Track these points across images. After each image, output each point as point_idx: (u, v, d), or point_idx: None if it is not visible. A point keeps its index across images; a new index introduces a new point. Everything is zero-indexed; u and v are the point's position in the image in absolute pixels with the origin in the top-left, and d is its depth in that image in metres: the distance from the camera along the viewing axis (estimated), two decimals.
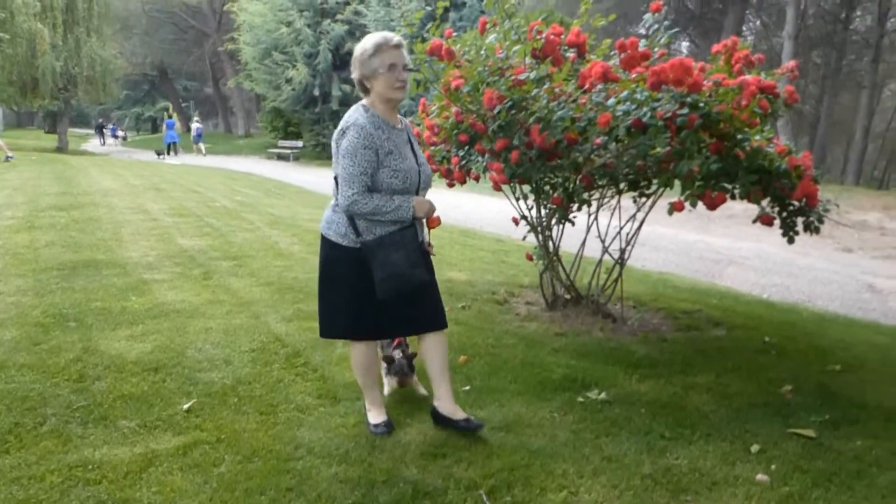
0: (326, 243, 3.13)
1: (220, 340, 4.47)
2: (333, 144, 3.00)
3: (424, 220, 3.14)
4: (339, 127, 2.98)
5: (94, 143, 41.85)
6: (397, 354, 3.63)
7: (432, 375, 3.29)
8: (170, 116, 34.68)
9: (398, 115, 3.13)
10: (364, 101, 3.06)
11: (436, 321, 3.23)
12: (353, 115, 2.98)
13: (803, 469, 3.05)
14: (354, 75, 3.04)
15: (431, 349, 3.25)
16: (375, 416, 3.29)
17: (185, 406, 3.44)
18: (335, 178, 3.01)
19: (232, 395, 3.63)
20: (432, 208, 3.08)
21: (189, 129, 36.17)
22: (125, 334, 4.51)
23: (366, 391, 3.35)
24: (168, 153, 30.76)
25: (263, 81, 28.46)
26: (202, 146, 32.19)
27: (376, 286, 2.97)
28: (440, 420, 3.28)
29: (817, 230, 4.39)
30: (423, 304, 3.17)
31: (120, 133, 46.16)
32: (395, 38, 2.97)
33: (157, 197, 12.33)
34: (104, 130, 43.95)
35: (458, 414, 3.25)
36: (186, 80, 51.69)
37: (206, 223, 9.36)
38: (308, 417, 3.41)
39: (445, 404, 3.27)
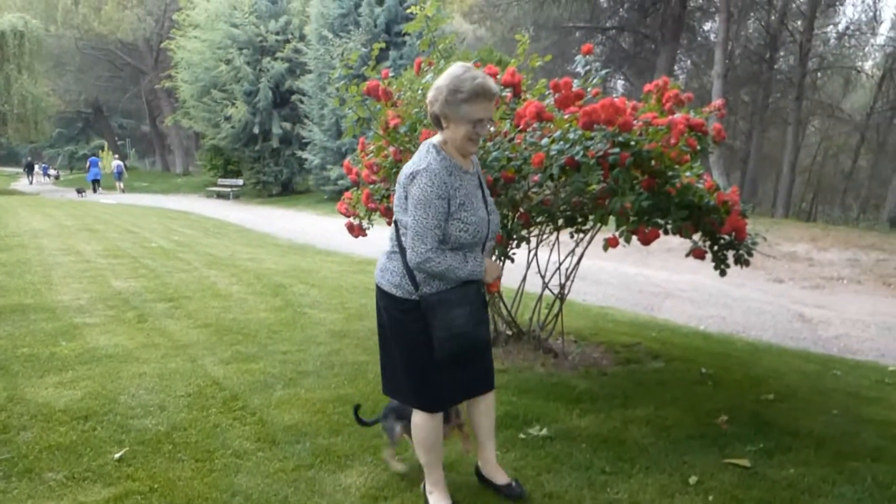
0: (380, 293, 2.85)
1: (154, 385, 4.35)
2: (399, 188, 2.70)
3: None
4: (408, 170, 2.66)
5: (23, 182, 40.68)
6: None
7: (479, 434, 3.09)
8: (94, 155, 34.63)
9: (471, 158, 2.85)
10: (436, 140, 2.76)
11: (489, 381, 3.02)
12: (425, 157, 2.67)
13: (739, 499, 3.10)
14: (433, 108, 2.69)
15: (483, 411, 3.04)
16: (439, 499, 2.94)
17: (117, 455, 3.33)
18: (395, 223, 2.77)
19: (166, 442, 3.53)
20: (500, 273, 2.86)
21: (125, 167, 35.86)
22: (53, 381, 4.35)
23: (429, 470, 2.95)
24: (94, 190, 30.85)
25: (202, 119, 28.18)
26: (121, 184, 32.57)
27: (435, 346, 2.68)
28: (482, 479, 3.14)
29: (747, 263, 4.52)
30: (480, 364, 2.95)
31: (52, 172, 44.91)
32: (495, 87, 2.64)
33: (90, 238, 12.01)
34: (34, 169, 42.76)
35: (501, 478, 3.08)
36: (122, 118, 50.80)
37: (141, 264, 9.14)
38: (246, 463, 3.33)
39: (488, 466, 3.11)
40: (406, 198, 2.66)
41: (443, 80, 2.65)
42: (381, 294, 2.83)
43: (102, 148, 45.58)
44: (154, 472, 3.19)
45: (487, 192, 2.91)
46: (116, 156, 35.75)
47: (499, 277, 2.84)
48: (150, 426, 3.71)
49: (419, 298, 2.69)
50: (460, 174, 2.70)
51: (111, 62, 43.43)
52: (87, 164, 33.12)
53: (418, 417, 2.87)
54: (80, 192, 29.91)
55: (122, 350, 5.09)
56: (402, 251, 2.72)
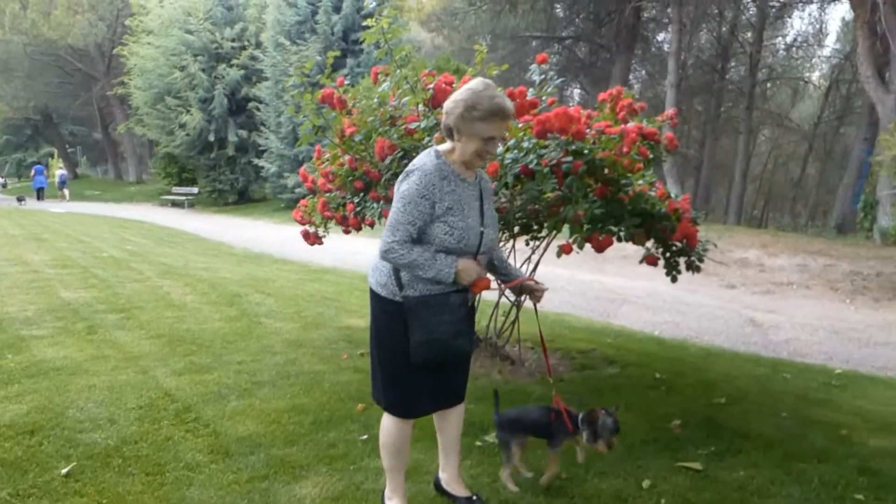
0: (370, 291, 2.85)
1: (104, 398, 4.25)
2: (396, 186, 2.72)
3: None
4: (406, 169, 2.70)
5: None
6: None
7: (443, 445, 3.08)
8: (39, 163, 34.07)
9: (476, 170, 2.81)
10: (442, 147, 2.76)
11: (461, 394, 2.99)
12: (423, 158, 2.70)
13: (691, 501, 3.15)
14: (448, 119, 2.68)
15: (453, 422, 3.02)
16: None
17: (64, 470, 3.24)
18: None
19: (116, 456, 3.44)
20: (480, 275, 2.72)
21: (76, 175, 35.25)
22: None
23: (390, 475, 2.94)
24: (38, 199, 30.43)
25: (156, 126, 27.69)
26: (66, 192, 32.06)
27: (411, 348, 2.66)
28: (441, 491, 3.12)
29: (698, 269, 4.61)
30: (457, 376, 2.92)
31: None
32: (511, 108, 2.66)
33: (39, 247, 11.72)
34: None
35: (462, 492, 3.05)
36: (73, 125, 49.57)
37: (91, 274, 8.94)
38: (198, 476, 3.27)
39: (450, 478, 3.09)
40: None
41: (461, 94, 2.65)
42: (370, 292, 2.84)
43: (52, 155, 44.50)
44: (103, 487, 3.11)
45: (490, 207, 2.86)
46: (61, 164, 35.11)
47: (484, 279, 2.74)
48: (99, 440, 3.62)
49: (402, 300, 2.67)
50: (456, 181, 2.69)
51: (61, 68, 42.43)
52: (32, 171, 32.57)
53: (387, 420, 2.87)
54: (20, 199, 29.31)
55: (71, 362, 4.97)
56: None
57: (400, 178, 2.70)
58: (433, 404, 2.92)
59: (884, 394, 5.33)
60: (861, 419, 4.57)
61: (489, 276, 2.85)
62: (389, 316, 2.75)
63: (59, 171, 34.17)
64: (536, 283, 2.93)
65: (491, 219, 2.83)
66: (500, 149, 2.70)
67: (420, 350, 2.65)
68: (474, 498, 3.03)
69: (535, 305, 2.97)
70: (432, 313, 2.63)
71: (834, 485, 3.42)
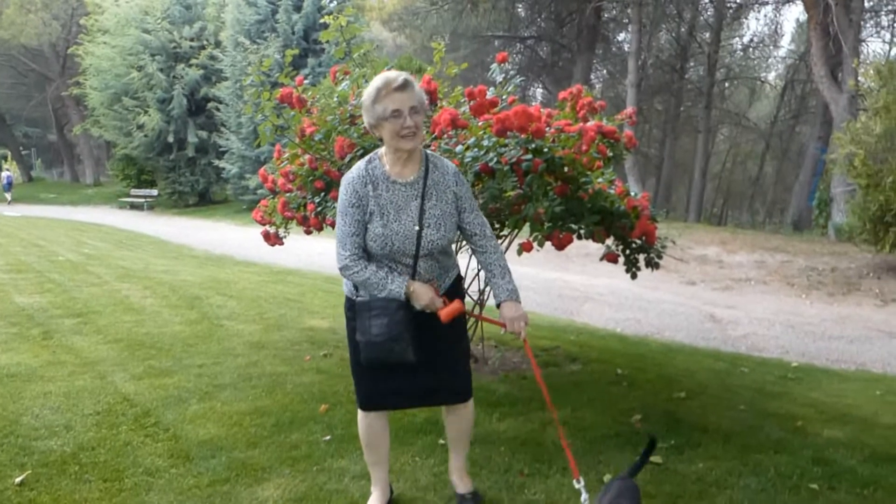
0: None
1: (60, 405, 4.16)
2: None
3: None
4: None
5: None
6: None
7: (448, 441, 3.16)
8: None
9: (419, 166, 2.72)
10: (379, 150, 2.76)
11: (443, 395, 2.95)
12: (354, 166, 2.72)
13: (651, 494, 3.19)
14: (365, 121, 2.72)
15: (450, 421, 3.05)
16: (373, 500, 2.99)
17: (18, 479, 3.16)
18: None
19: (72, 463, 3.37)
20: (434, 303, 2.65)
21: (31, 178, 34.45)
22: None
23: (370, 469, 3.05)
24: None
25: (113, 128, 27.18)
26: (9, 195, 31.47)
27: (360, 349, 2.71)
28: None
29: (657, 265, 4.67)
30: (445, 376, 2.87)
31: None
32: (400, 78, 2.57)
33: None
34: None
35: (461, 487, 3.08)
36: (27, 127, 48.48)
37: (47, 278, 8.75)
38: (158, 481, 3.22)
39: (453, 472, 3.12)
40: None
41: (363, 98, 2.69)
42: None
43: (6, 157, 43.46)
44: (59, 494, 3.05)
45: (439, 203, 2.72)
46: (7, 167, 34.26)
47: (444, 308, 2.66)
48: (54, 447, 3.54)
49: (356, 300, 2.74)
50: (385, 184, 2.66)
51: (14, 68, 41.45)
52: None
53: (358, 414, 2.97)
54: None
55: (26, 369, 4.85)
56: None
57: None
58: (400, 401, 2.95)
59: (837, 386, 5.46)
60: (815, 411, 4.67)
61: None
62: (348, 314, 2.84)
63: (5, 172, 33.29)
64: (515, 333, 2.76)
65: (437, 217, 2.70)
66: (410, 120, 2.56)
67: (363, 350, 2.69)
68: (467, 496, 3.04)
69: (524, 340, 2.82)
70: (372, 316, 2.64)
71: (789, 475, 3.49)
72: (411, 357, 2.66)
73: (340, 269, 2.69)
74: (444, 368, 2.86)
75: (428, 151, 2.81)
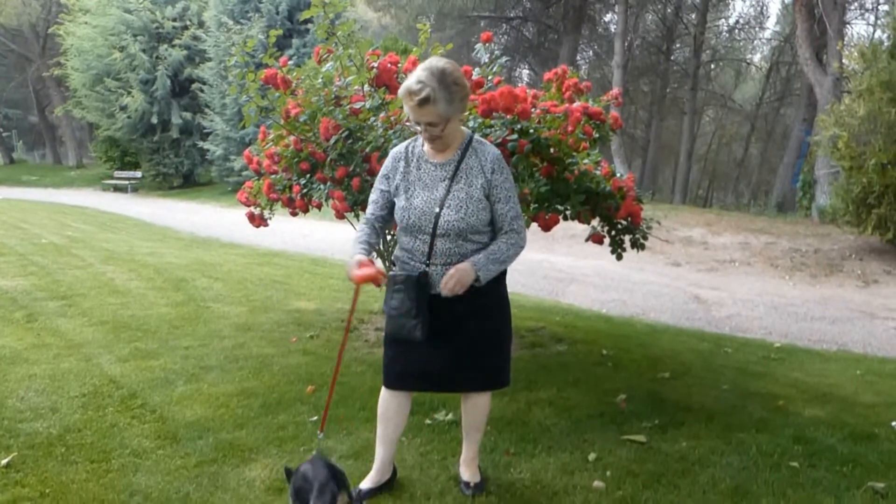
0: None
1: (45, 387, 4.15)
2: None
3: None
4: None
5: None
6: None
7: (463, 430, 3.12)
8: None
9: (456, 150, 2.73)
10: None
11: (477, 383, 2.95)
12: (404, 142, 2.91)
13: (635, 473, 3.23)
14: None
15: (466, 409, 3.05)
16: (365, 480, 2.97)
17: (4, 461, 3.16)
18: None
19: (59, 444, 3.37)
20: (350, 272, 2.58)
21: (12, 160, 33.96)
22: None
23: (377, 445, 3.02)
24: None
25: (95, 109, 26.81)
26: None
27: None
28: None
29: (643, 247, 4.70)
30: (467, 364, 2.84)
31: None
32: (423, 93, 2.52)
33: None
34: None
35: (465, 475, 3.07)
36: (7, 108, 47.75)
37: (30, 261, 8.68)
38: (145, 462, 3.22)
39: (462, 460, 3.12)
40: None
41: None
42: None
43: None
44: (45, 476, 3.05)
45: (467, 187, 2.70)
46: None
47: (359, 274, 2.55)
48: (40, 429, 3.54)
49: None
50: (419, 162, 2.75)
51: None
52: None
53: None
54: None
55: (10, 351, 4.83)
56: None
57: None
58: (420, 384, 2.97)
59: (819, 366, 5.53)
60: (797, 390, 4.73)
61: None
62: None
63: None
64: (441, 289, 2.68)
65: (461, 201, 2.69)
66: (426, 133, 2.60)
67: (385, 322, 2.82)
68: (470, 484, 3.03)
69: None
70: (394, 290, 2.71)
71: (771, 453, 3.54)
72: (418, 336, 2.67)
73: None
74: (468, 355, 2.84)
75: (476, 136, 2.81)
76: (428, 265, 2.73)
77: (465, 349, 2.83)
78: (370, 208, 2.85)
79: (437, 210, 2.69)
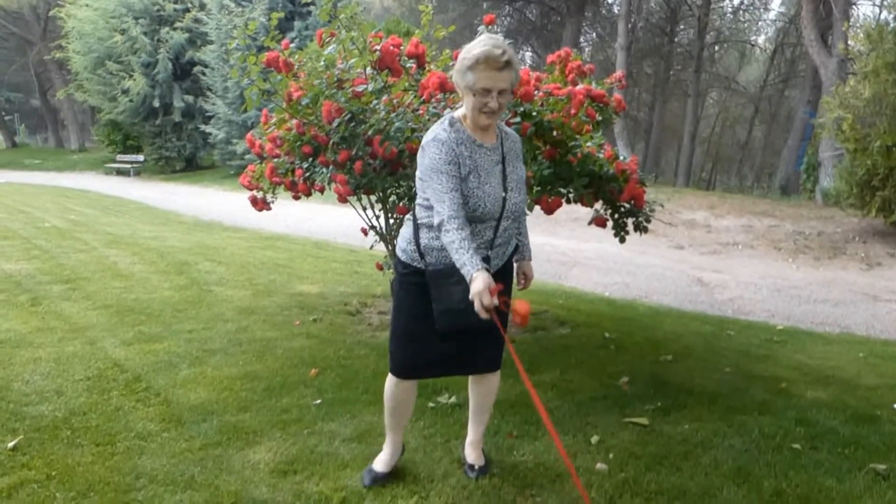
0: (395, 259, 2.86)
1: (50, 370, 4.17)
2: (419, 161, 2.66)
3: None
4: (421, 145, 2.63)
5: None
6: None
7: (471, 410, 3.13)
8: None
9: (496, 131, 2.72)
10: (457, 112, 2.67)
11: (479, 364, 2.98)
12: (436, 129, 2.62)
13: (637, 455, 3.25)
14: (454, 78, 2.63)
15: (478, 390, 3.05)
16: (378, 463, 2.99)
17: (10, 444, 3.18)
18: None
19: (64, 427, 3.39)
20: (483, 296, 2.35)
21: (14, 144, 33.92)
22: None
23: (387, 432, 3.03)
24: None
25: (97, 92, 26.74)
26: None
27: (436, 318, 2.65)
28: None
29: (645, 230, 4.69)
30: (483, 345, 2.88)
31: None
32: (504, 57, 2.45)
33: None
34: None
35: (470, 458, 3.08)
36: (9, 92, 47.61)
37: (34, 245, 8.70)
38: (150, 445, 3.24)
39: (468, 443, 3.13)
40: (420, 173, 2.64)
41: (462, 51, 2.57)
42: (396, 260, 2.88)
43: None
44: (51, 459, 3.07)
45: (515, 169, 2.74)
46: None
47: (520, 305, 2.47)
48: (46, 412, 3.56)
49: (424, 269, 2.69)
50: (472, 146, 2.62)
51: None
52: None
53: (388, 378, 2.93)
54: None
55: (15, 335, 4.85)
56: (415, 218, 2.74)
57: (419, 154, 2.64)
58: (437, 370, 2.95)
59: (821, 348, 5.54)
60: (799, 373, 4.75)
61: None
62: (401, 279, 2.81)
63: None
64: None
65: (517, 182, 2.72)
66: (495, 102, 2.47)
67: (441, 319, 2.64)
68: (475, 467, 3.04)
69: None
70: (452, 283, 2.58)
71: (773, 435, 3.55)
72: (487, 323, 2.50)
73: (437, 224, 2.53)
74: (482, 338, 2.83)
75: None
76: (491, 249, 2.70)
77: (486, 329, 2.73)
78: (452, 205, 2.50)
79: (504, 194, 2.66)
